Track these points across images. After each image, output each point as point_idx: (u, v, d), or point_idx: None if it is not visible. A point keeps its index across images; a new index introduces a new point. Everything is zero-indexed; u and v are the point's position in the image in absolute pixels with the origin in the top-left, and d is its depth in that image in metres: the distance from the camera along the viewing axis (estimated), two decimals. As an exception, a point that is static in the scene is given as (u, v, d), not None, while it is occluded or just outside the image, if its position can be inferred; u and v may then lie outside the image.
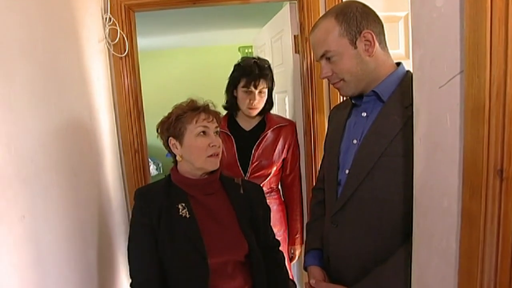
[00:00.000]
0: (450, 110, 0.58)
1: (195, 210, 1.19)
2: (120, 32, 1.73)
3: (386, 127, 0.96)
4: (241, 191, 1.27)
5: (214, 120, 1.23)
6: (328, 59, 1.02)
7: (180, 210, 1.18)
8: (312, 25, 1.09)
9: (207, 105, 1.26)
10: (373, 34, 0.98)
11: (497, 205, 0.48)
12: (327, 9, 1.75)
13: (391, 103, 0.98)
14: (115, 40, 1.72)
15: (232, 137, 1.77)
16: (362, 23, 0.98)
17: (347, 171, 1.04)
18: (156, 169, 4.79)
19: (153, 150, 3.69)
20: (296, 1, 1.84)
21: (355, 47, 0.99)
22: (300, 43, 1.85)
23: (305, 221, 1.91)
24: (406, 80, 0.99)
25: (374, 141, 0.98)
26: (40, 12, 1.15)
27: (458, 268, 0.59)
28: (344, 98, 1.44)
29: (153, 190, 1.25)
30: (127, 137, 1.79)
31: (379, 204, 0.97)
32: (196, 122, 1.20)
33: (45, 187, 1.08)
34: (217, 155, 1.22)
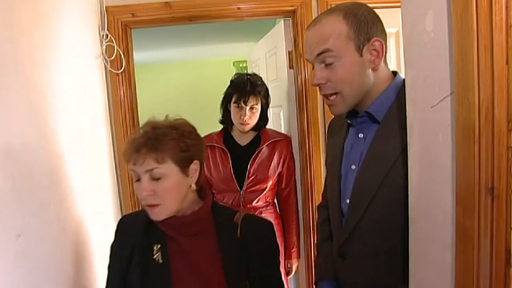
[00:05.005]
0: (442, 129, 0.61)
1: (172, 254, 0.97)
2: (117, 49, 1.75)
3: (384, 153, 0.87)
4: (238, 234, 0.98)
5: (148, 159, 0.90)
6: (327, 65, 0.87)
7: (154, 252, 0.98)
8: (313, 20, 0.93)
9: (143, 141, 0.92)
10: (383, 43, 0.87)
11: (490, 222, 0.50)
12: (320, 26, 1.80)
13: (387, 124, 0.89)
14: (112, 56, 1.74)
15: (227, 152, 1.79)
16: (372, 29, 0.86)
17: (348, 201, 0.96)
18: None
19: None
20: (290, 18, 1.88)
21: (361, 55, 0.85)
22: (294, 58, 1.89)
23: (301, 235, 1.92)
24: (403, 93, 0.85)
25: (372, 169, 0.90)
26: (37, 29, 1.17)
27: (455, 283, 0.60)
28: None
29: (134, 221, 1.05)
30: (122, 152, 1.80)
31: (383, 236, 0.89)
32: (128, 163, 0.95)
33: (41, 204, 1.07)
34: (154, 206, 0.93)
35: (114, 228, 1.70)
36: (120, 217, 1.77)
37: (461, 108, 0.53)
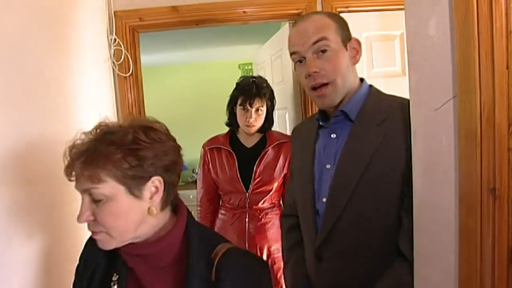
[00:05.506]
0: (446, 131, 0.62)
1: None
2: (124, 53, 1.78)
3: (360, 149, 0.91)
4: (212, 277, 0.72)
5: (82, 176, 0.70)
6: (321, 52, 0.91)
7: (112, 281, 0.78)
8: (301, 17, 0.99)
9: (81, 149, 0.71)
10: (360, 42, 0.97)
11: (492, 222, 0.52)
12: (325, 29, 1.82)
13: (361, 122, 0.94)
14: (120, 60, 1.77)
15: (234, 154, 1.81)
16: (349, 30, 0.98)
17: (324, 200, 0.96)
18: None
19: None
20: (294, 21, 1.90)
21: (346, 49, 0.95)
22: (300, 61, 1.91)
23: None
24: (372, 96, 0.97)
25: (349, 166, 0.92)
26: (51, 36, 1.20)
27: (458, 281, 0.61)
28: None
29: None
30: (131, 154, 1.83)
31: (364, 232, 0.91)
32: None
33: (51, 206, 1.10)
34: (97, 233, 0.73)
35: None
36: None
37: (463, 112, 0.55)
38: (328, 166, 0.97)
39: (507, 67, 0.47)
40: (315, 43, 0.91)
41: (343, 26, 0.96)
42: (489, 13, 0.47)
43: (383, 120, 0.90)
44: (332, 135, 0.99)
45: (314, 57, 0.92)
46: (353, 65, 0.96)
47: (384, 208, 0.88)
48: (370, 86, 1.01)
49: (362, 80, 1.01)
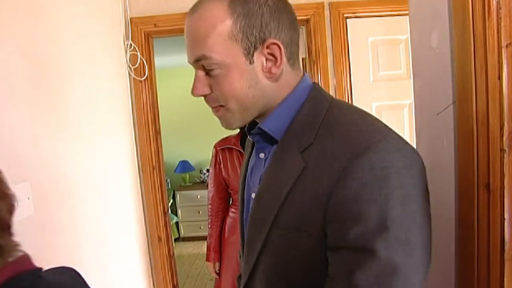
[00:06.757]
0: (446, 133, 0.69)
1: None
2: (140, 57, 1.86)
3: (278, 181, 0.63)
4: None
5: None
6: (207, 71, 0.62)
7: None
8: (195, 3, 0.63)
9: None
10: (282, 46, 0.61)
11: (487, 214, 0.59)
12: (333, 34, 1.89)
13: (285, 143, 0.64)
14: (136, 64, 1.86)
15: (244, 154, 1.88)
16: (268, 26, 0.60)
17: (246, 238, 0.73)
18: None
19: (164, 166, 3.77)
20: (303, 26, 1.97)
21: (250, 62, 0.61)
22: (308, 65, 1.97)
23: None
24: (308, 105, 0.64)
25: (265, 202, 0.65)
26: (78, 45, 1.28)
27: (458, 268, 0.68)
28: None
29: None
30: (145, 155, 1.91)
31: (282, 283, 0.64)
32: None
33: (73, 205, 1.18)
34: None
35: (136, 232, 1.80)
36: (142, 217, 1.89)
37: (461, 116, 0.62)
38: (253, 195, 0.70)
39: (499, 78, 0.53)
40: (196, 61, 0.62)
41: (254, 22, 0.59)
42: (483, 31, 0.54)
43: (309, 146, 0.60)
44: (260, 155, 0.71)
45: (203, 74, 0.64)
46: (269, 80, 0.63)
47: (301, 264, 0.61)
48: (313, 87, 0.67)
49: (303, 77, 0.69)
